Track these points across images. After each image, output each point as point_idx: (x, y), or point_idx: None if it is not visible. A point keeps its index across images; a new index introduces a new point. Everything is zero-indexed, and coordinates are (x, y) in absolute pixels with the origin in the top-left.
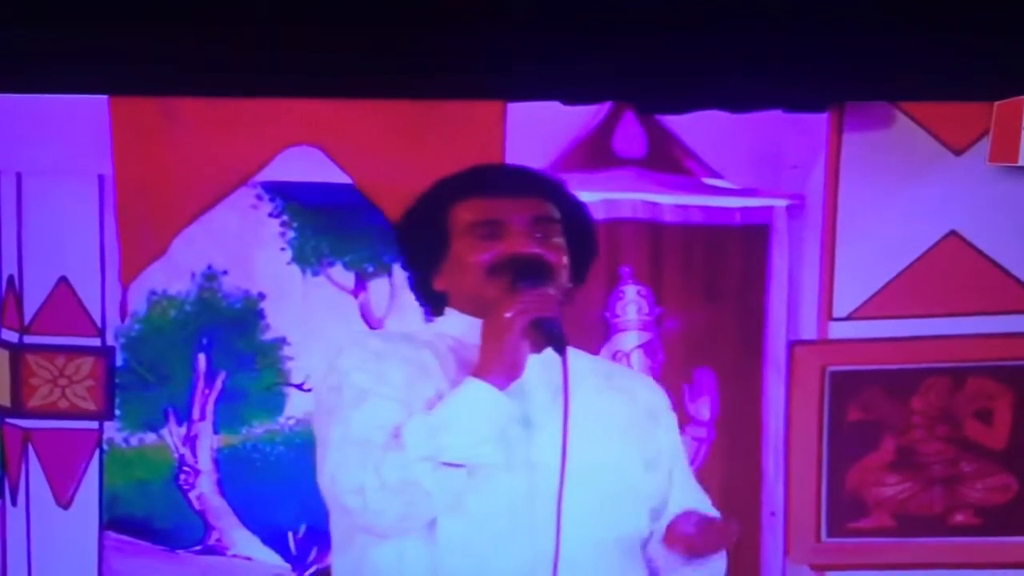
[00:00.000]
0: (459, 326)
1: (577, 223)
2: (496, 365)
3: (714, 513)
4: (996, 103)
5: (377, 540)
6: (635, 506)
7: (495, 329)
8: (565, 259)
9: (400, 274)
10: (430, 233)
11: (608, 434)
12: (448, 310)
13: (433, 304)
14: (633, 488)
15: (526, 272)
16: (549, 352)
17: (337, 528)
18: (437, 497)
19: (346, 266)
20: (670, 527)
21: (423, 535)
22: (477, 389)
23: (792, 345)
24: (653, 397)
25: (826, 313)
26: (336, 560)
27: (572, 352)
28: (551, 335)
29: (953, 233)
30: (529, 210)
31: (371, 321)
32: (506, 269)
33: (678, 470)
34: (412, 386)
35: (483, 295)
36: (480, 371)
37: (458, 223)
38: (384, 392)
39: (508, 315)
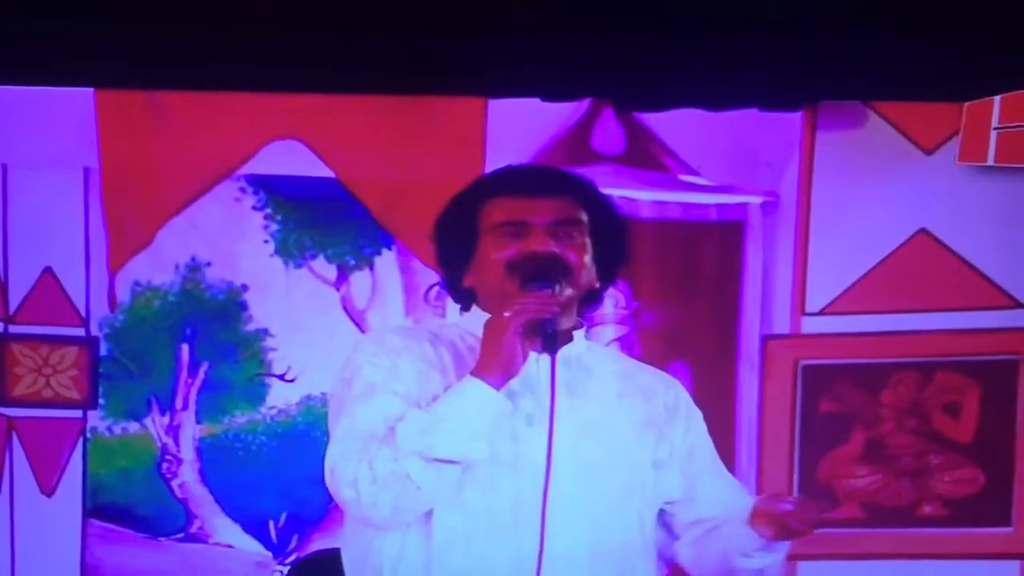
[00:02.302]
0: (481, 324)
1: (605, 224)
2: (492, 364)
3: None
4: (966, 104)
5: (381, 532)
6: (640, 506)
7: (493, 328)
8: (587, 259)
9: (381, 267)
10: (461, 230)
11: (617, 434)
12: (474, 307)
13: (462, 301)
14: (640, 488)
15: (536, 271)
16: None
17: (348, 520)
18: (427, 492)
19: (328, 259)
20: (758, 510)
21: (421, 528)
22: (472, 387)
23: (765, 339)
24: (673, 395)
25: (799, 308)
26: (344, 552)
27: (600, 350)
28: (544, 336)
29: (923, 231)
30: (554, 210)
31: (352, 313)
32: (521, 268)
33: (698, 465)
34: (424, 383)
35: (502, 293)
36: (478, 369)
37: (487, 221)
38: (393, 388)
39: (506, 315)
